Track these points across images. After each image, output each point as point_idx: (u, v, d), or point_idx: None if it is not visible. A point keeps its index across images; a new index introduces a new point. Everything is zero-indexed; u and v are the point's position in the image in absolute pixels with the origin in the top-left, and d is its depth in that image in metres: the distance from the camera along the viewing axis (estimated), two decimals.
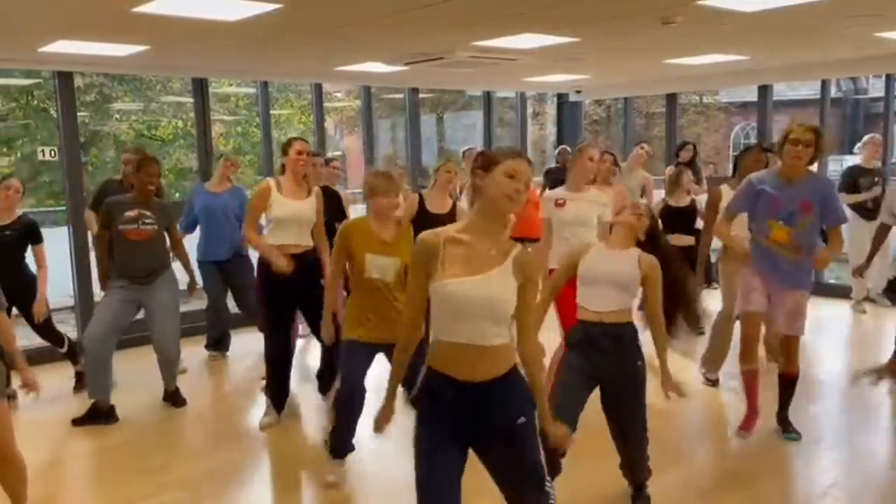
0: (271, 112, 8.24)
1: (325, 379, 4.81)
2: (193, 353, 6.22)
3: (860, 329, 6.99)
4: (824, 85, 8.18)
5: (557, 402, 3.11)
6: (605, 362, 3.22)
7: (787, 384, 4.29)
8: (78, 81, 7.68)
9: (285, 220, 4.44)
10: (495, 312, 2.32)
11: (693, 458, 4.09)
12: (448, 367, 2.34)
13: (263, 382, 4.84)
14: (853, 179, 7.05)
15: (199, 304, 6.33)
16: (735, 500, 3.72)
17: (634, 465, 3.45)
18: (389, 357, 3.52)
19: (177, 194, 13.33)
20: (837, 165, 8.32)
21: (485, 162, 2.34)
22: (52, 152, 6.83)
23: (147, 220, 4.85)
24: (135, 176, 4.95)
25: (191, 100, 7.47)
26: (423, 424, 2.39)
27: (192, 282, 5.25)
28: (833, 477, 3.93)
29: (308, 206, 4.52)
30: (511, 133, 11.26)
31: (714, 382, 5.23)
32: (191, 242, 5.85)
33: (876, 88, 22.60)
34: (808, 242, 3.99)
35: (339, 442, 3.86)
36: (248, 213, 4.63)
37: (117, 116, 15.93)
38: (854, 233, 6.71)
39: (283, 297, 4.51)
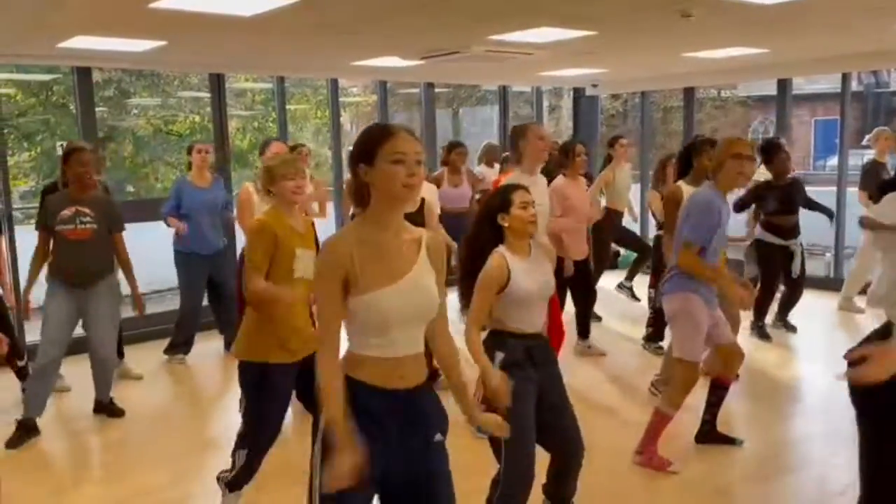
0: (287, 107, 8.26)
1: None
2: (207, 347, 6.30)
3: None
4: (845, 78, 8.07)
5: (519, 445, 2.79)
6: (542, 374, 2.95)
7: (724, 393, 4.07)
8: (96, 77, 7.74)
9: None
10: (427, 314, 2.10)
11: (710, 456, 4.06)
12: (376, 379, 2.05)
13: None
14: (876, 174, 6.91)
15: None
16: (753, 497, 3.69)
17: (571, 473, 3.08)
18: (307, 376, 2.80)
19: None
20: (858, 160, 8.19)
21: (362, 151, 2.02)
22: None
23: (85, 220, 4.44)
24: (66, 168, 4.47)
25: (208, 95, 7.51)
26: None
27: (137, 299, 4.76)
28: (851, 476, 3.89)
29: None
30: None
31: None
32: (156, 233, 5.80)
33: None
34: None
35: (246, 478, 3.31)
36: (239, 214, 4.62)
37: (135, 112, 16.04)
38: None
39: None
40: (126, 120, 15.80)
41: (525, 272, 2.90)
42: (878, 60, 8.47)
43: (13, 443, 4.38)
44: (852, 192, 8.08)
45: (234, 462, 3.29)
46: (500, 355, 2.87)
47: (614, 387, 5.26)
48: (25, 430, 4.43)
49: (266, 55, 6.55)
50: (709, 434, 4.11)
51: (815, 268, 7.88)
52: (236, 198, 5.32)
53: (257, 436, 3.21)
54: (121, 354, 5.59)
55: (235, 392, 5.00)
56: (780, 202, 6.00)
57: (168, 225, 5.84)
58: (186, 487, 3.92)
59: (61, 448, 4.59)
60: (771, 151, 6.00)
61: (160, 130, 16.21)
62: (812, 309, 6.86)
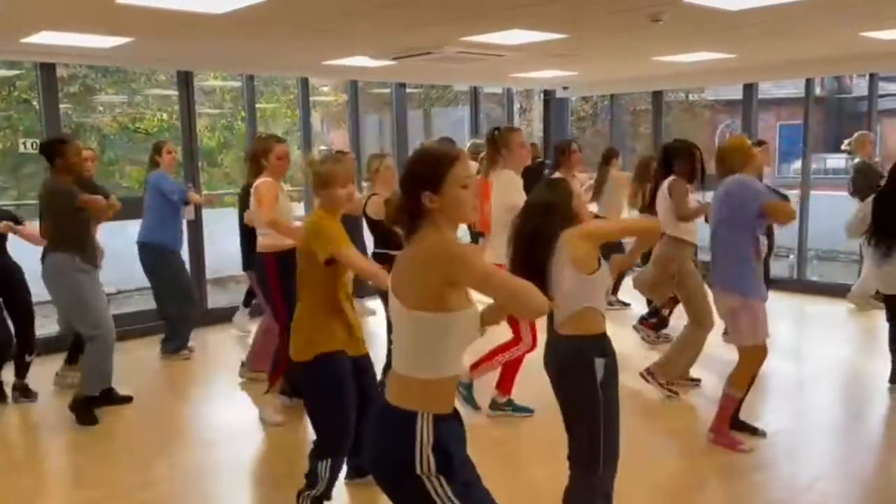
0: (257, 106, 8.19)
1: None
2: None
3: (848, 326, 6.98)
4: (808, 84, 8.24)
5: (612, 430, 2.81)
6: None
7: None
8: (61, 72, 7.58)
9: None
10: None
11: (682, 455, 4.11)
12: (449, 406, 2.07)
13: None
14: (871, 174, 6.70)
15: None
16: (722, 494, 3.74)
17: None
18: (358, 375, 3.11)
19: None
20: (821, 164, 8.35)
21: (428, 177, 1.99)
22: (34, 144, 6.73)
23: None
24: (61, 161, 4.52)
25: (176, 93, 7.41)
26: (454, 483, 1.99)
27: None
28: (818, 471, 3.96)
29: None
30: None
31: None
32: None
33: (860, 88, 22.76)
34: None
35: (332, 488, 3.17)
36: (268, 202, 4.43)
37: (101, 108, 15.75)
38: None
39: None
40: (91, 117, 15.50)
41: None
42: (842, 66, 8.66)
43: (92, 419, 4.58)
44: (816, 195, 8.28)
45: (319, 476, 3.11)
46: (599, 361, 2.77)
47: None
48: (107, 398, 4.74)
49: (236, 53, 6.48)
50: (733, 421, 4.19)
51: (779, 269, 8.03)
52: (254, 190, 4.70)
53: (337, 440, 3.08)
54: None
55: (192, 387, 5.01)
56: None
57: (187, 201, 6.01)
58: (164, 488, 3.86)
59: (43, 447, 4.53)
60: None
61: (127, 128, 15.93)
62: (777, 309, 6.96)
